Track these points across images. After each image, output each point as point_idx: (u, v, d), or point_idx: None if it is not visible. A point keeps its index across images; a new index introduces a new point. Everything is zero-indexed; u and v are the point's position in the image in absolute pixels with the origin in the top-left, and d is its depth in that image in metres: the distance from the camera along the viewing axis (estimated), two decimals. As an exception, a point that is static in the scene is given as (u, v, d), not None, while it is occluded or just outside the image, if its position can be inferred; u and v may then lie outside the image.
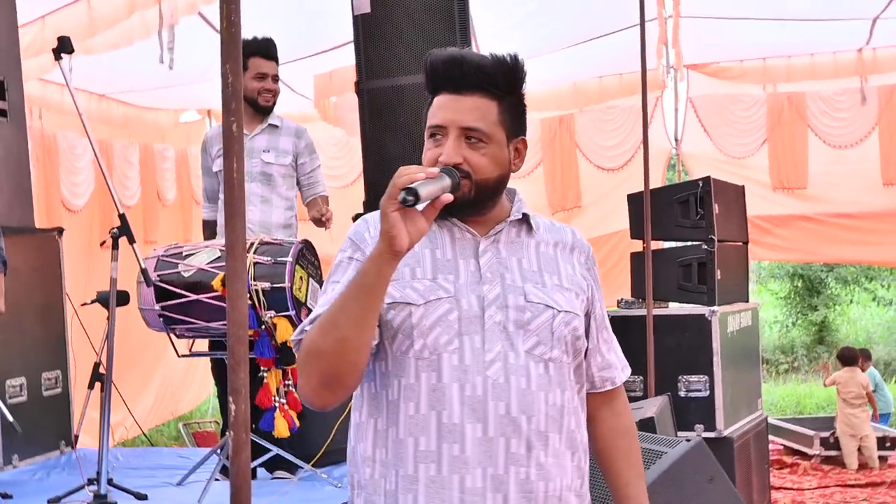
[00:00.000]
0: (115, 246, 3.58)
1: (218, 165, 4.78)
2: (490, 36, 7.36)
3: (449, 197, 1.72)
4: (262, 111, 4.69)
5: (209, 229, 4.87)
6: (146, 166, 8.49)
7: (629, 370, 2.12)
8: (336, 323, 1.77)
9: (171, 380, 8.61)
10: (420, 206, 1.67)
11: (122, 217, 3.55)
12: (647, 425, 3.31)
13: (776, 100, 8.94)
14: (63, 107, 7.46)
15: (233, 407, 1.61)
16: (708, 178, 5.61)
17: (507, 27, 7.51)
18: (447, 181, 1.74)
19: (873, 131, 8.83)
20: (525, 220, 1.97)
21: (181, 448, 6.12)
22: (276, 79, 4.73)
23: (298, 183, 4.81)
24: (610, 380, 2.06)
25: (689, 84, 9.03)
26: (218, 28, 5.71)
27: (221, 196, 4.77)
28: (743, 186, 6.32)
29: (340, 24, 5.43)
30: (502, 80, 1.88)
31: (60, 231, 5.12)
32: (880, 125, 8.79)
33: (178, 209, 8.91)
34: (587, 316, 2.00)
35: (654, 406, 3.66)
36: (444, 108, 1.87)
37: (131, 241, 3.55)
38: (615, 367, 2.08)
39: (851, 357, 8.19)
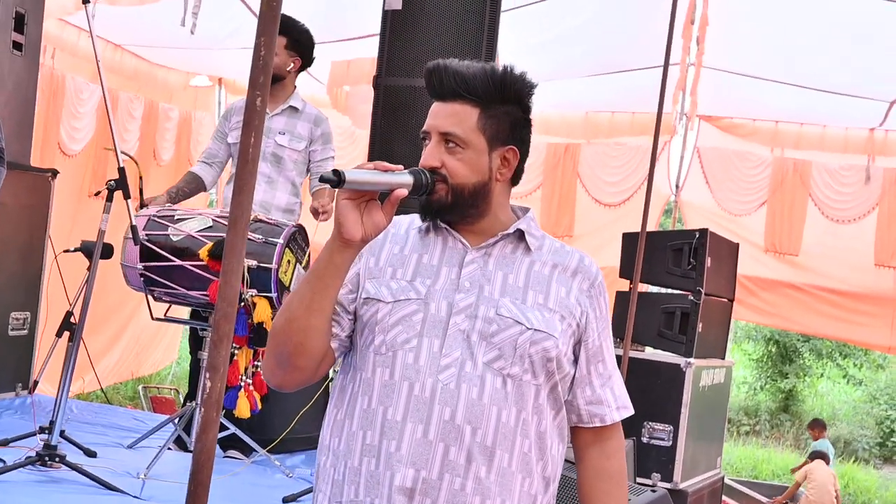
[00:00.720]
0: (110, 198, 3.53)
1: (234, 137, 4.76)
2: (509, 55, 7.36)
3: (402, 192, 1.77)
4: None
5: (188, 177, 4.81)
6: (148, 123, 8.42)
7: (629, 412, 2.05)
8: (289, 304, 1.87)
9: (138, 340, 8.52)
10: (347, 188, 1.70)
11: (121, 171, 3.49)
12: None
13: (782, 164, 8.95)
14: (77, 50, 7.40)
15: (208, 384, 1.57)
16: (705, 230, 5.59)
17: (528, 49, 7.50)
18: (406, 178, 1.80)
19: (873, 211, 8.84)
20: (521, 236, 1.97)
21: (137, 410, 6.06)
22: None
23: (308, 170, 4.79)
24: (599, 416, 2.01)
25: (699, 134, 9.03)
26: (246, 1, 5.67)
27: (232, 170, 4.74)
28: (738, 244, 6.32)
29: (367, 15, 5.40)
30: (482, 88, 1.90)
31: (55, 173, 5.07)
32: (881, 206, 8.80)
33: (173, 171, 8.83)
34: (578, 344, 1.98)
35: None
36: (430, 115, 1.93)
37: (126, 196, 3.50)
38: (607, 404, 2.02)
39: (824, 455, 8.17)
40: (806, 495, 7.65)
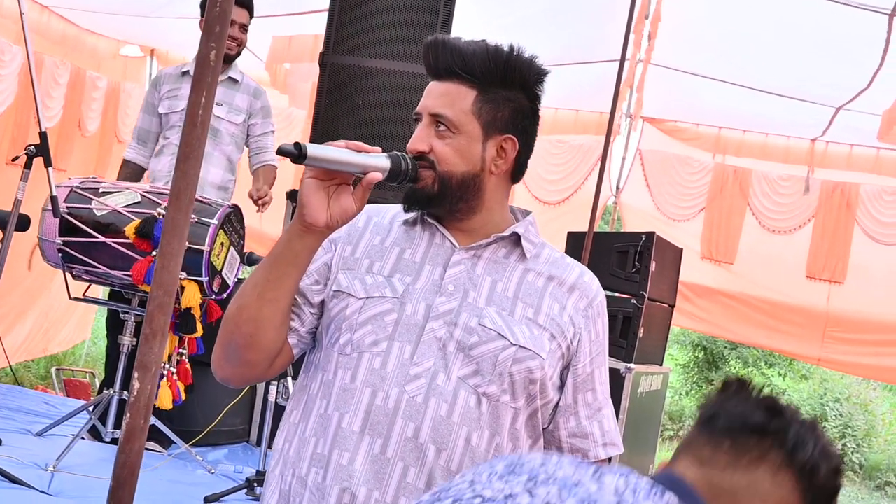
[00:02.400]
0: (28, 165, 3.22)
1: (165, 107, 4.47)
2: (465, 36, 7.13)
3: (376, 176, 1.60)
4: (225, 60, 4.40)
5: (128, 170, 4.53)
6: (74, 90, 7.99)
7: (617, 449, 1.85)
8: (242, 291, 1.70)
9: (47, 316, 8.08)
10: (310, 164, 1.54)
11: (42, 135, 3.19)
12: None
13: (723, 171, 8.88)
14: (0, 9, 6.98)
15: (136, 384, 1.32)
16: (652, 233, 5.48)
17: (478, 35, 7.27)
18: (382, 162, 1.62)
19: (808, 223, 8.82)
20: (517, 241, 1.78)
21: (49, 393, 5.69)
22: (243, 28, 4.43)
23: (247, 145, 4.52)
24: (582, 451, 1.81)
25: (643, 135, 8.93)
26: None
27: (164, 141, 4.45)
28: (682, 249, 6.22)
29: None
30: (480, 67, 1.73)
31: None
32: (816, 218, 8.78)
33: (97, 142, 8.43)
34: (567, 368, 1.78)
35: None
36: (425, 94, 1.76)
37: (48, 163, 3.19)
38: (593, 439, 1.81)
39: None
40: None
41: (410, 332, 1.67)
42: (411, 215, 1.78)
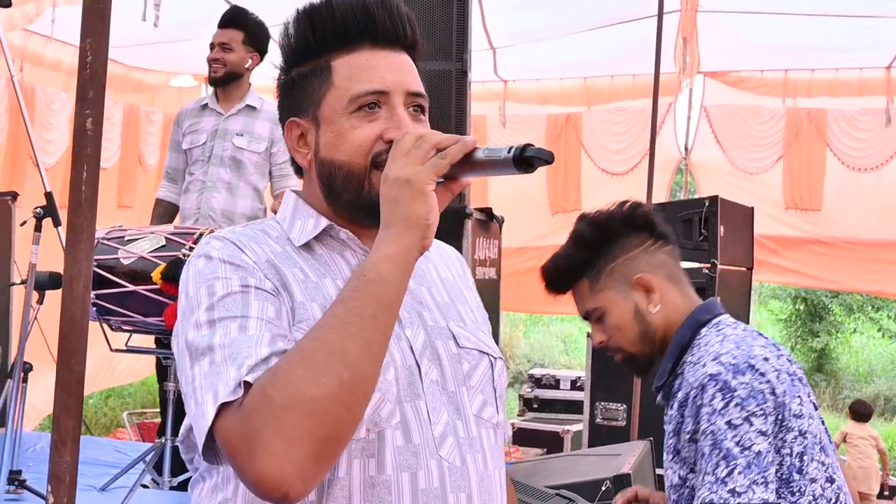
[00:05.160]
0: (38, 227, 3.17)
1: (188, 143, 4.43)
2: (497, 14, 6.94)
3: (468, 180, 1.29)
4: (212, 83, 4.33)
5: (160, 208, 4.51)
6: (129, 128, 8.08)
7: None
8: (346, 357, 1.17)
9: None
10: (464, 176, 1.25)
11: (48, 196, 3.14)
12: (621, 484, 2.93)
13: (795, 115, 8.49)
14: (44, 60, 7.08)
15: (50, 499, 1.20)
16: (715, 197, 5.22)
17: (513, 4, 7.06)
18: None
19: (895, 156, 8.39)
20: None
21: (122, 440, 5.70)
22: (224, 47, 4.33)
23: (270, 173, 4.44)
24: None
25: (705, 91, 8.60)
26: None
27: (189, 178, 4.41)
28: (752, 208, 5.93)
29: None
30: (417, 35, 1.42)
31: (14, 196, 4.74)
32: (903, 150, 8.35)
33: (159, 176, 8.49)
34: None
35: (633, 456, 3.26)
36: (379, 68, 1.36)
37: (56, 223, 3.15)
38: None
39: (865, 413, 7.74)
40: (848, 462, 7.23)
41: (413, 385, 1.34)
42: (308, 232, 1.40)
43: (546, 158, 1.19)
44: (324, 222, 1.40)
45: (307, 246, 1.39)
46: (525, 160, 1.20)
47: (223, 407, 1.17)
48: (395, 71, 1.36)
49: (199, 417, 1.20)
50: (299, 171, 1.47)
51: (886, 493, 7.36)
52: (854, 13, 7.14)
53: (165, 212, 4.51)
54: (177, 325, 1.31)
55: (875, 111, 8.29)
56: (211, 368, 1.20)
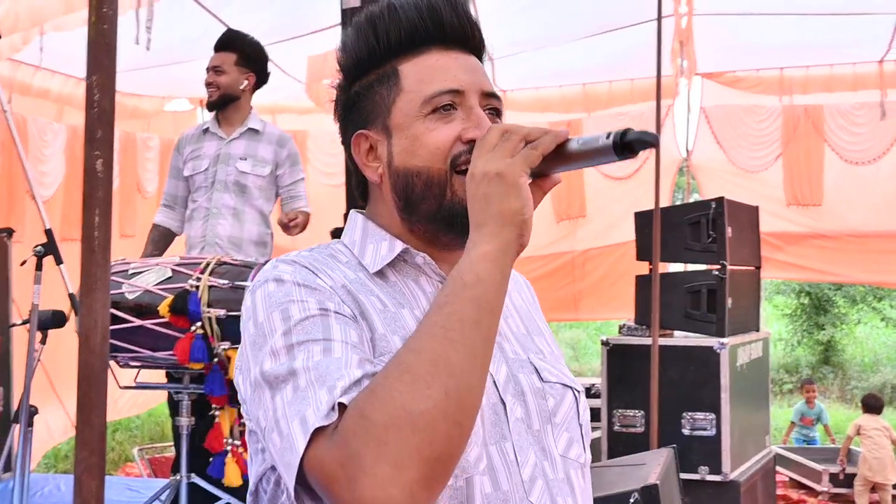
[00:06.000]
0: (39, 266, 3.10)
1: (190, 169, 4.37)
2: (493, 25, 6.88)
3: (559, 176, 1.19)
4: (209, 107, 4.27)
5: (155, 232, 4.44)
6: (126, 155, 8.01)
7: None
8: (450, 366, 1.05)
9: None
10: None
11: (48, 233, 3.08)
12: (650, 495, 2.87)
13: (792, 112, 8.48)
14: (33, 89, 7.01)
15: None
16: (721, 198, 5.17)
17: (511, 14, 7.02)
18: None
19: (891, 148, 8.38)
20: None
21: (130, 477, 5.59)
22: (217, 70, 4.29)
23: (278, 196, 4.38)
24: None
25: (703, 92, 8.57)
26: (204, 4, 5.20)
27: (193, 205, 4.35)
28: (757, 207, 5.89)
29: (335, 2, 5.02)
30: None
31: (10, 232, 4.67)
32: (900, 141, 8.34)
33: (159, 202, 8.44)
34: None
35: (658, 465, 3.20)
36: (451, 68, 1.27)
37: (58, 261, 3.08)
38: None
39: (877, 406, 7.70)
40: (863, 454, 7.19)
41: (498, 424, 1.22)
42: (382, 257, 1.29)
43: (650, 141, 1.10)
44: (399, 245, 1.29)
45: (381, 273, 1.28)
46: (627, 145, 1.10)
47: (315, 434, 1.04)
48: (469, 71, 1.28)
49: (287, 451, 1.06)
50: (364, 193, 1.36)
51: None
52: (845, 11, 7.13)
53: (161, 236, 4.44)
54: (242, 358, 1.20)
55: (870, 105, 8.29)
56: (295, 395, 1.08)
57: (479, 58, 1.33)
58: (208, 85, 4.30)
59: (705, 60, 7.74)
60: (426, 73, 1.27)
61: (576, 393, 1.33)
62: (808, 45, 7.83)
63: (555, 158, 1.15)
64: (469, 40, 1.30)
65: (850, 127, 8.51)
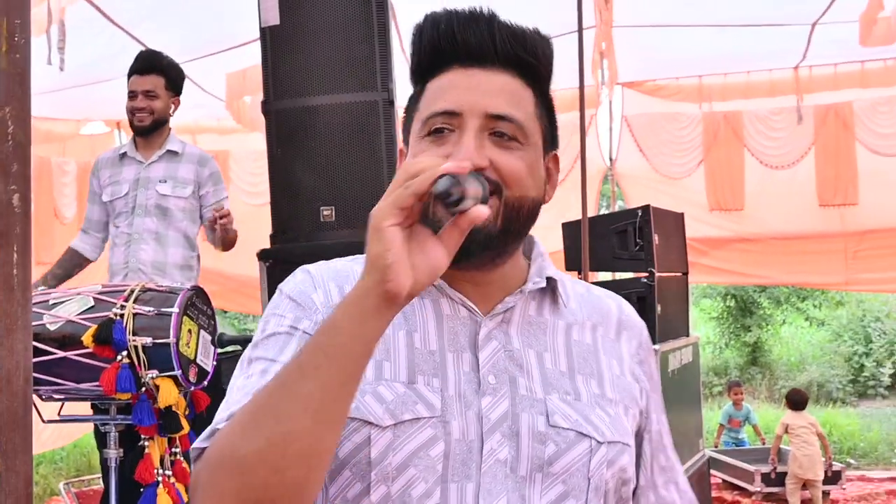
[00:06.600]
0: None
1: (109, 194, 4.27)
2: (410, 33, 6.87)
3: (483, 211, 1.04)
4: (139, 133, 4.18)
5: (66, 255, 4.35)
6: (41, 181, 7.82)
7: None
8: (277, 411, 1.03)
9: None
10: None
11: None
12: None
13: (712, 118, 8.64)
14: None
15: None
16: (647, 206, 5.22)
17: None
18: (479, 188, 1.07)
19: (810, 151, 8.59)
20: (550, 287, 1.30)
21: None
22: (149, 94, 4.20)
23: (202, 217, 4.30)
24: None
25: (624, 102, 8.68)
26: (116, 21, 5.09)
27: (114, 230, 4.25)
28: (682, 214, 5.97)
29: (252, 17, 4.96)
30: (544, 62, 1.24)
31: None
32: (816, 145, 8.54)
33: (78, 228, 8.24)
34: (638, 438, 1.33)
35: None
36: (456, 88, 1.21)
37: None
38: None
39: (801, 401, 7.84)
40: (793, 453, 7.31)
41: (467, 463, 1.17)
42: None
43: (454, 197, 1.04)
44: None
45: None
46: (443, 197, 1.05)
47: (201, 451, 1.13)
48: (475, 91, 1.20)
49: None
50: None
51: (830, 475, 7.46)
52: (762, 22, 7.28)
53: (68, 258, 4.36)
54: None
55: (787, 110, 8.49)
56: (222, 405, 1.18)
57: (527, 79, 1.24)
58: (139, 110, 4.20)
59: (626, 70, 7.84)
60: (434, 92, 1.24)
61: (593, 445, 1.21)
62: (725, 54, 7.98)
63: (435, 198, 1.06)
64: (490, 56, 1.22)
65: (769, 132, 8.70)
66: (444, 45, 1.24)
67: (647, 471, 1.34)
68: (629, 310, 1.38)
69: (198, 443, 1.13)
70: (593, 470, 1.21)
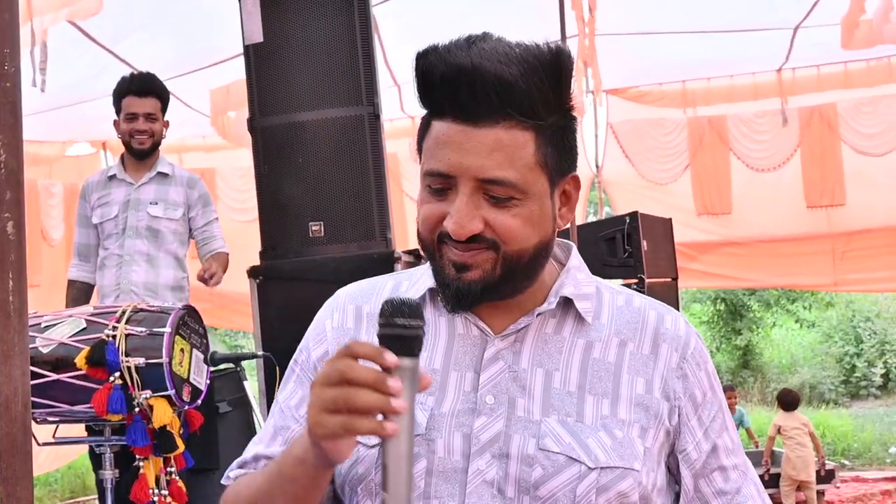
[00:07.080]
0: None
1: (98, 216, 4.27)
2: (398, 50, 6.91)
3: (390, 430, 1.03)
4: (138, 155, 4.18)
5: (74, 290, 4.33)
6: (28, 203, 7.73)
7: None
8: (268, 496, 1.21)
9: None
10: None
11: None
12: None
13: (697, 123, 8.67)
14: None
15: None
16: (635, 213, 5.23)
17: (413, 39, 7.02)
18: (408, 362, 1.04)
19: (795, 153, 8.62)
20: (571, 303, 1.28)
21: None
22: (150, 117, 4.21)
23: (193, 238, 4.30)
24: None
25: (609, 109, 8.70)
26: (98, 40, 5.09)
27: (104, 252, 4.25)
28: (671, 219, 5.99)
29: (234, 32, 4.97)
30: (539, 97, 1.18)
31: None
32: (802, 147, 8.58)
33: (65, 250, 8.22)
34: (671, 454, 1.30)
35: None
36: (450, 147, 1.18)
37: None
38: None
39: (793, 401, 7.85)
40: (786, 454, 7.32)
41: (450, 481, 1.20)
42: (417, 290, 1.30)
43: None
44: (429, 283, 1.28)
45: (429, 304, 1.30)
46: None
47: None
48: (468, 153, 1.17)
49: None
50: None
51: (823, 474, 7.48)
52: (744, 27, 7.31)
53: (80, 293, 4.33)
54: None
55: (772, 112, 8.52)
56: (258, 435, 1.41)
57: (524, 123, 1.19)
58: (141, 132, 4.21)
59: (610, 77, 7.86)
60: (432, 143, 1.21)
61: (583, 470, 1.20)
62: (708, 59, 8.02)
63: None
64: (494, 112, 1.17)
65: (754, 135, 8.72)
66: (437, 97, 1.20)
67: (688, 492, 1.30)
68: (673, 321, 1.32)
69: (228, 471, 1.36)
70: (580, 496, 1.19)
